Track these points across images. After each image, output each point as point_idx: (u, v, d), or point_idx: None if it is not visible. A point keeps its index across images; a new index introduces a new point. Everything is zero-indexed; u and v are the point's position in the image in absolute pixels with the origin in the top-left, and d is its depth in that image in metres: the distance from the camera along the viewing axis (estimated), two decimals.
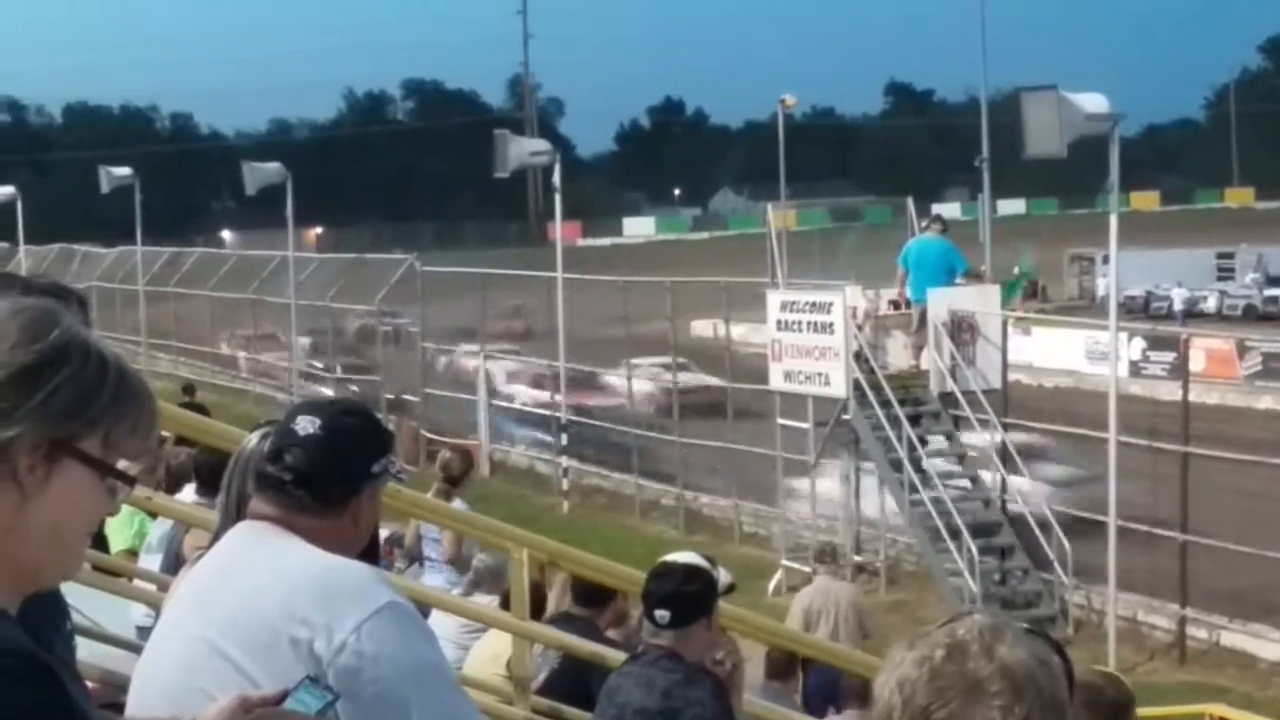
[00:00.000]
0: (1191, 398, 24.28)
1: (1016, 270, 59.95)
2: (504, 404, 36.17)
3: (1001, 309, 26.83)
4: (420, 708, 3.09)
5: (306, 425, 3.42)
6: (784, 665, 9.39)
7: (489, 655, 7.77)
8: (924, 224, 25.27)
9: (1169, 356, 42.08)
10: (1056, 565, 22.57)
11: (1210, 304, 60.30)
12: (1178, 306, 58.61)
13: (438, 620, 7.62)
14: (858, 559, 25.47)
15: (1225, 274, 64.55)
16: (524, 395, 36.12)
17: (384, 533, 12.05)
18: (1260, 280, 61.60)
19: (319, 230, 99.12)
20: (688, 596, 5.91)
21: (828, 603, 15.22)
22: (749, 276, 32.05)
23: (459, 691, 3.39)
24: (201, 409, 16.17)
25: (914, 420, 23.56)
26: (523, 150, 31.03)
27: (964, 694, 2.25)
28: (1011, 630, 2.35)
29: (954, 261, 24.27)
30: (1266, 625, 21.57)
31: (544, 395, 34.17)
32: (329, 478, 3.38)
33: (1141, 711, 13.24)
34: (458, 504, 10.72)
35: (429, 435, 33.35)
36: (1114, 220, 20.99)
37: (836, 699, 9.17)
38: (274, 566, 3.24)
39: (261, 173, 34.98)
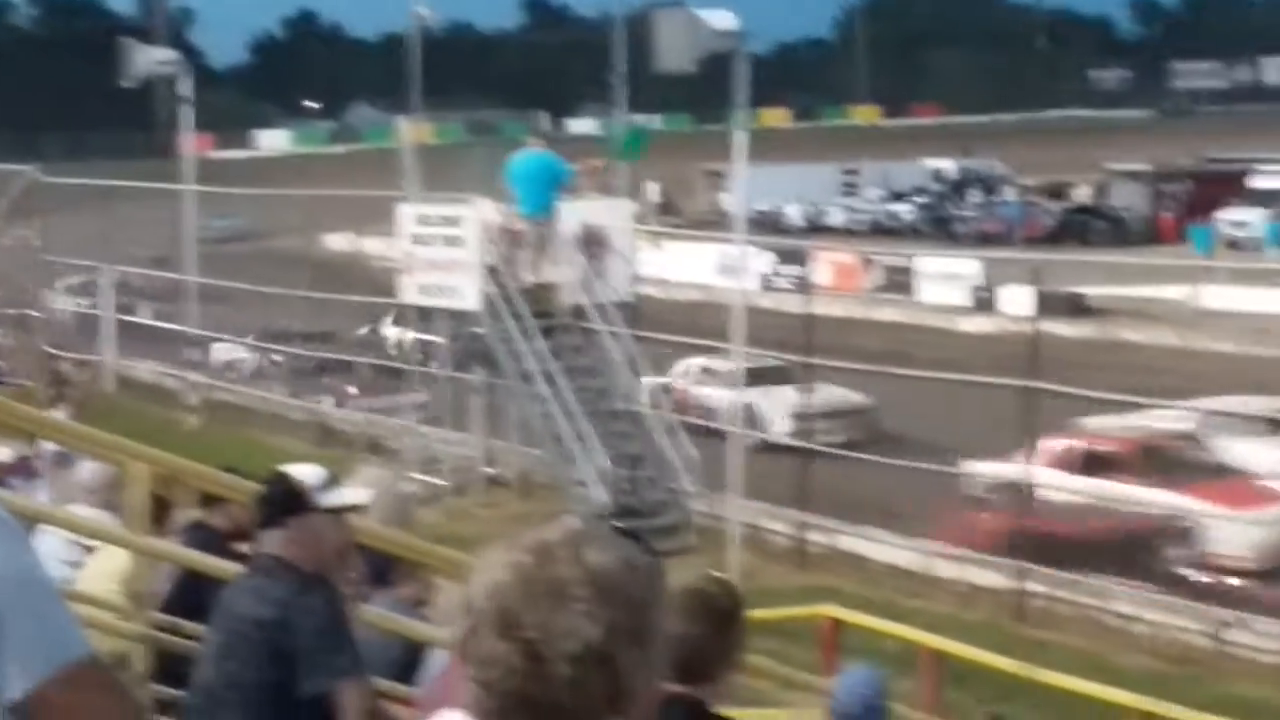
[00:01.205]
0: (817, 310, 25.07)
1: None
2: (135, 320, 35.39)
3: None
4: (14, 617, 3.01)
5: None
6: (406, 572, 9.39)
7: (104, 571, 7.65)
8: (527, 139, 25.75)
9: (797, 270, 43.24)
10: (683, 473, 23.07)
11: (837, 219, 61.96)
12: (801, 222, 60.07)
13: (44, 536, 7.47)
14: (490, 471, 25.65)
15: (850, 190, 66.33)
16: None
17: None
18: (884, 196, 63.49)
19: None
20: (267, 500, 5.95)
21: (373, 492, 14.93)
22: (385, 190, 31.88)
23: (59, 602, 3.32)
24: None
25: (546, 333, 23.78)
26: (150, 59, 30.35)
27: (551, 599, 2.25)
28: (601, 535, 2.36)
29: (558, 173, 24.45)
30: (881, 530, 22.41)
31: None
32: None
33: (757, 614, 13.67)
34: (59, 415, 10.45)
35: (51, 351, 32.46)
36: (740, 136, 21.45)
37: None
38: None
39: None
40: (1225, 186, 51.85)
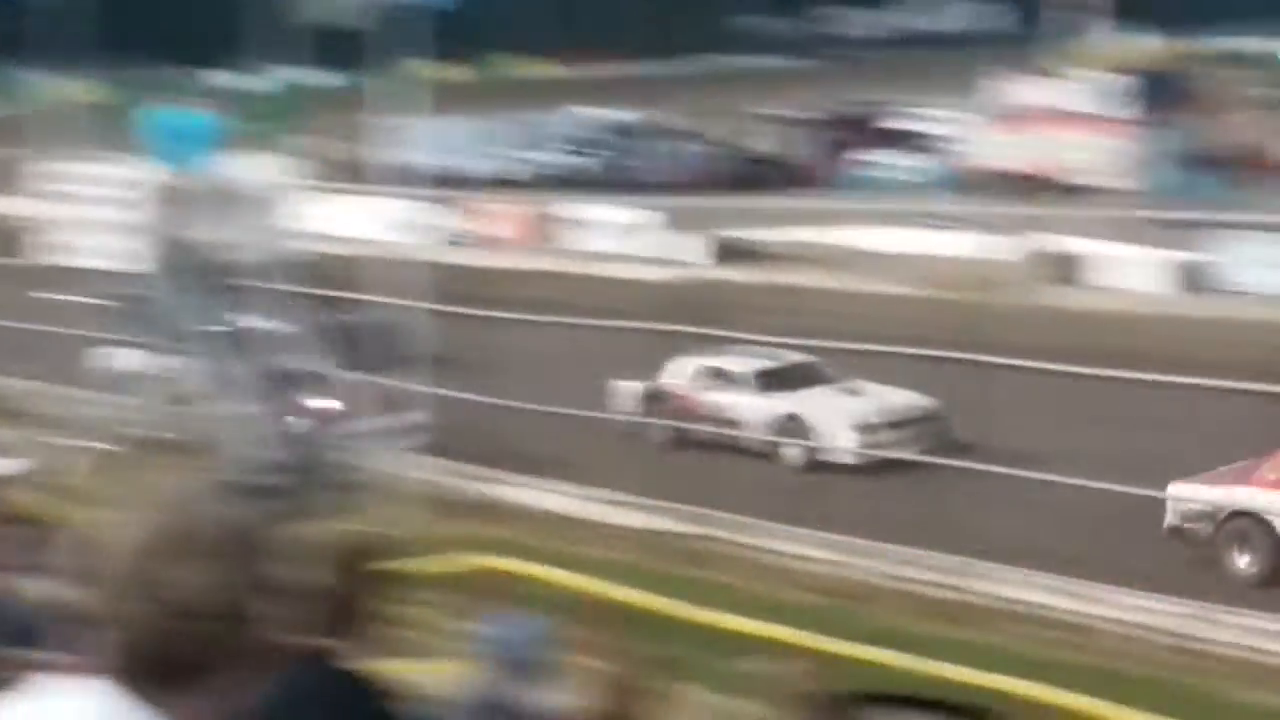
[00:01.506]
0: (495, 263, 25.06)
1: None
2: None
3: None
4: None
5: None
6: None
7: None
8: (175, 95, 25.30)
9: (470, 225, 43.18)
10: (356, 429, 22.93)
11: (516, 170, 61.77)
12: (481, 174, 59.79)
13: None
14: (151, 434, 25.08)
15: (533, 142, 66.12)
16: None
17: None
18: (567, 148, 63.49)
19: None
20: None
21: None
22: (24, 149, 30.98)
23: None
24: None
25: (210, 292, 23.33)
26: None
27: (182, 556, 2.29)
28: (233, 492, 2.43)
29: (207, 129, 23.96)
30: (555, 479, 22.54)
31: None
32: None
33: (424, 567, 13.67)
34: None
35: None
36: (404, 89, 21.40)
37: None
38: None
39: None
40: (876, 130, 53.56)
